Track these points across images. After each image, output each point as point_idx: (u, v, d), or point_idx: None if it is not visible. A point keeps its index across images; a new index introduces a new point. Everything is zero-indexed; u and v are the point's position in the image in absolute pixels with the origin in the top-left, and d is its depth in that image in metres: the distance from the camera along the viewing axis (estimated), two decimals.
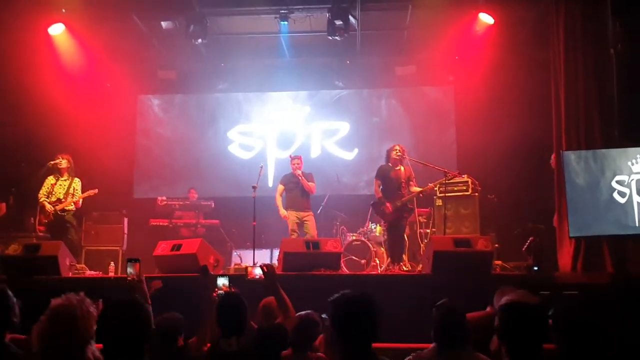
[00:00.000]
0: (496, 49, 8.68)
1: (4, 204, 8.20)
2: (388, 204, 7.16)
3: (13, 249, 6.66)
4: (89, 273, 6.95)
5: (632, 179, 6.23)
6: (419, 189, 7.21)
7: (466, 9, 8.38)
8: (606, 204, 6.24)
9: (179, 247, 6.07)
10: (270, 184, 10.09)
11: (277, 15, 8.55)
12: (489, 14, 8.22)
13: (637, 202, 6.19)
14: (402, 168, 7.29)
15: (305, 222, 7.76)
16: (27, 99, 8.64)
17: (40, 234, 7.59)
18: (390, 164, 7.35)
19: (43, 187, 7.42)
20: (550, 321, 2.55)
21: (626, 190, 6.22)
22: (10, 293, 2.68)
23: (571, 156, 6.48)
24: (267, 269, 3.82)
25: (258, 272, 4.70)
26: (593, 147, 6.65)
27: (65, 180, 7.47)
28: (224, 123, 10.60)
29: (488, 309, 3.70)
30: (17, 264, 6.03)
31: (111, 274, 7.29)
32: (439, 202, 7.82)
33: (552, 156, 6.98)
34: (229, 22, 9.29)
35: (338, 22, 8.30)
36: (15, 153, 9.15)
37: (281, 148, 10.41)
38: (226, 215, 9.22)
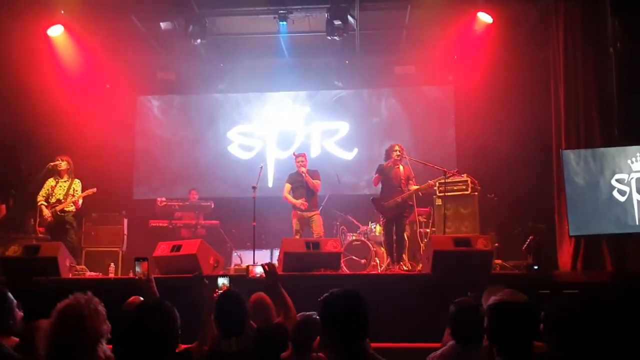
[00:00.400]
0: (495, 48, 8.67)
1: (3, 206, 8.20)
2: (390, 202, 7.20)
3: (13, 250, 6.65)
4: (89, 274, 6.95)
5: (632, 177, 6.23)
6: (417, 187, 7.24)
7: (465, 9, 8.37)
8: (606, 203, 6.24)
9: (178, 247, 6.06)
10: (270, 184, 10.10)
11: (276, 16, 8.54)
12: (488, 13, 8.21)
13: (637, 201, 6.19)
14: (401, 167, 7.32)
15: (312, 220, 7.67)
16: (27, 100, 8.64)
17: (40, 235, 7.58)
18: (390, 163, 7.38)
19: (42, 189, 7.42)
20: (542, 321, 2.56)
21: (626, 188, 6.22)
22: (10, 295, 2.67)
23: (570, 155, 6.48)
24: (269, 267, 3.81)
25: (259, 270, 4.69)
26: (592, 146, 6.65)
27: (65, 181, 7.47)
28: (223, 123, 10.60)
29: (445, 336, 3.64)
30: (17, 265, 6.03)
31: (111, 275, 7.29)
32: (439, 202, 7.81)
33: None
34: (228, 22, 9.29)
35: (337, 22, 8.31)
36: (15, 154, 9.15)
37: (281, 148, 10.42)
38: (226, 215, 9.21)
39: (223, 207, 9.30)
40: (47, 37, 8.46)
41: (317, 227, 7.64)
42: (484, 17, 8.25)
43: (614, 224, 6.21)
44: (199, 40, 8.68)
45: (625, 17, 6.85)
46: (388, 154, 7.44)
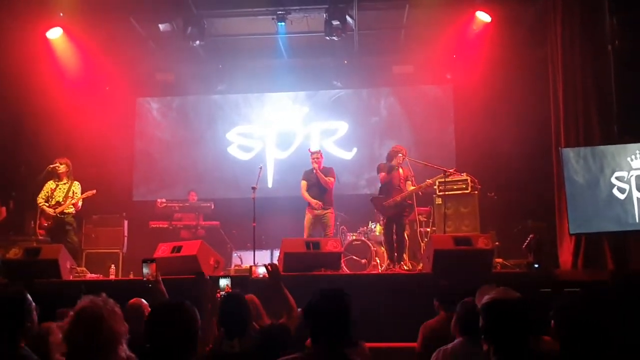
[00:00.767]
0: (494, 46, 8.68)
1: (4, 208, 8.19)
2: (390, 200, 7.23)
3: (13, 253, 6.64)
4: (90, 276, 6.94)
5: (632, 175, 6.24)
6: (415, 187, 7.26)
7: (463, 7, 8.38)
8: (606, 201, 6.25)
9: (179, 249, 6.06)
10: (270, 184, 10.10)
11: (275, 17, 8.55)
12: (486, 12, 8.22)
13: (637, 198, 6.19)
14: (400, 169, 7.37)
15: (325, 217, 7.60)
16: (27, 102, 8.65)
17: (41, 237, 7.58)
18: (391, 164, 7.42)
19: (42, 192, 7.41)
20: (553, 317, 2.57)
21: (626, 186, 6.23)
22: (29, 297, 2.65)
23: (570, 153, 6.49)
24: (272, 268, 3.82)
25: (262, 271, 4.68)
26: (592, 144, 6.66)
27: (64, 183, 7.47)
28: (222, 124, 10.61)
29: (441, 312, 3.74)
30: (18, 268, 6.03)
31: (112, 277, 7.29)
32: (439, 201, 7.81)
33: None
34: (226, 23, 9.29)
35: (335, 23, 8.31)
36: (15, 157, 9.16)
37: (280, 149, 10.42)
38: (226, 216, 9.21)
39: (223, 208, 9.30)
40: (46, 40, 8.47)
41: (329, 224, 7.61)
42: (482, 16, 8.26)
43: (614, 222, 6.22)
44: (197, 42, 8.69)
45: (623, 15, 6.87)
46: (391, 157, 7.47)
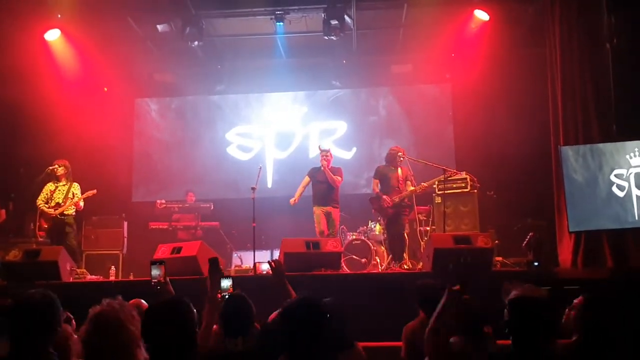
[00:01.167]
0: (492, 45, 8.68)
1: (3, 210, 8.19)
2: (386, 197, 7.28)
3: (13, 255, 6.65)
4: (90, 277, 6.95)
5: (631, 173, 6.25)
6: (413, 188, 7.27)
7: (462, 6, 8.39)
8: (605, 198, 6.26)
9: (179, 249, 6.07)
10: (269, 184, 10.10)
11: (273, 17, 8.55)
12: (484, 11, 8.23)
13: (637, 196, 6.20)
14: (399, 170, 7.38)
15: (329, 213, 7.64)
16: (25, 104, 8.64)
17: (40, 239, 7.58)
18: (390, 166, 7.43)
19: (41, 194, 7.41)
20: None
21: (625, 183, 6.24)
22: (57, 303, 2.63)
23: (569, 151, 6.50)
24: (275, 264, 3.82)
25: (266, 267, 4.66)
26: (591, 142, 6.66)
27: (64, 185, 7.47)
28: (221, 125, 10.60)
29: (420, 313, 3.73)
30: (18, 270, 6.03)
31: (112, 278, 7.29)
32: (438, 200, 7.83)
33: None
34: (224, 24, 9.29)
35: (334, 22, 8.31)
36: (14, 159, 9.15)
37: (279, 149, 10.42)
38: (226, 217, 9.22)
39: (222, 209, 9.31)
40: (45, 42, 8.46)
41: (333, 220, 7.63)
42: (481, 15, 8.26)
43: (614, 220, 6.23)
44: (196, 42, 8.68)
45: (621, 13, 6.87)
46: (390, 158, 7.48)
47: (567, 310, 2.97)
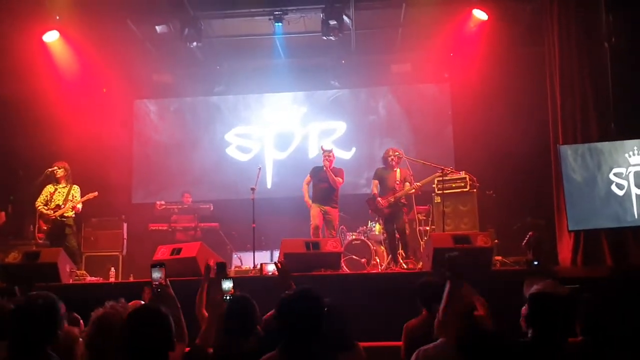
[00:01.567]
0: (491, 44, 8.69)
1: (2, 213, 8.18)
2: (379, 199, 7.34)
3: (13, 257, 6.67)
4: (90, 279, 6.95)
5: (630, 171, 6.25)
6: (408, 188, 7.30)
7: (460, 6, 8.38)
8: (604, 197, 6.26)
9: (178, 251, 6.07)
10: (269, 185, 10.10)
11: (271, 17, 8.54)
12: (482, 10, 8.22)
13: (636, 194, 6.20)
14: (398, 170, 7.38)
15: (327, 212, 7.65)
16: (24, 106, 8.64)
17: (40, 241, 7.58)
18: (387, 168, 7.45)
19: (41, 196, 7.40)
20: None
21: (624, 182, 6.24)
22: (58, 304, 2.63)
23: (568, 150, 6.50)
24: (281, 265, 3.83)
25: (271, 268, 4.64)
26: (589, 141, 6.67)
27: (63, 187, 7.46)
28: (221, 126, 10.60)
29: (423, 311, 3.74)
30: (17, 272, 6.02)
31: (112, 280, 7.29)
32: (438, 199, 7.83)
33: None
34: (223, 24, 9.28)
35: (332, 22, 8.31)
36: (13, 161, 9.15)
37: (279, 149, 10.42)
38: (225, 217, 9.21)
39: (222, 209, 9.31)
40: (43, 43, 8.45)
41: (332, 220, 7.65)
42: (479, 14, 8.26)
43: (613, 218, 6.23)
44: (194, 43, 8.67)
45: (620, 12, 6.88)
46: (384, 160, 7.52)
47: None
